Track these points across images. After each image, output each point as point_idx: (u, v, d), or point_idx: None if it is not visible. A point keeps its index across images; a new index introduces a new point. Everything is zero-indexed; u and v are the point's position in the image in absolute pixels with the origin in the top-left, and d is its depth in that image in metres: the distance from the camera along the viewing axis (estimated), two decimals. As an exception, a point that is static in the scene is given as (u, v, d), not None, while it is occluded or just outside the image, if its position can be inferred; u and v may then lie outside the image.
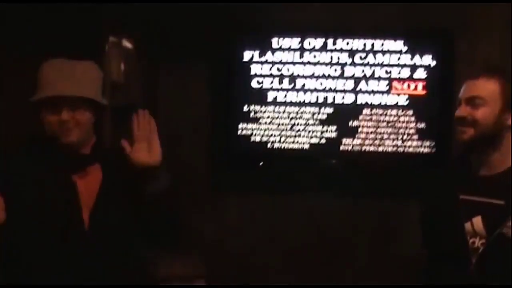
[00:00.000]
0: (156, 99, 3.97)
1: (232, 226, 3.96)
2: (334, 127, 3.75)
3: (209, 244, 3.94)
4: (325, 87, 3.74)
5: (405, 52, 3.72)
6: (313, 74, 3.74)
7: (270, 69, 3.75)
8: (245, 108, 3.77)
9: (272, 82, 3.76)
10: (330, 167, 3.77)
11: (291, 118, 3.76)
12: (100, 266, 2.27)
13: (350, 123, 3.74)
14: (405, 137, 3.72)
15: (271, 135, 3.77)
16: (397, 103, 3.72)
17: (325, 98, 3.74)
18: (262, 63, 3.75)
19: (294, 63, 3.74)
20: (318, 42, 3.74)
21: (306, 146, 3.76)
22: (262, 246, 3.95)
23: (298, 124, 3.76)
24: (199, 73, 3.90)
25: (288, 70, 3.75)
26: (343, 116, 3.74)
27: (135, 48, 3.87)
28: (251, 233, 3.96)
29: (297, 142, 3.77)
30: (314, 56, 3.74)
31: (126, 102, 3.79)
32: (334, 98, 3.74)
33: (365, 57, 3.73)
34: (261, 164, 3.77)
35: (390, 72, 3.72)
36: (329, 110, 3.74)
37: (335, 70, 3.74)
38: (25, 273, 2.23)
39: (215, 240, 3.95)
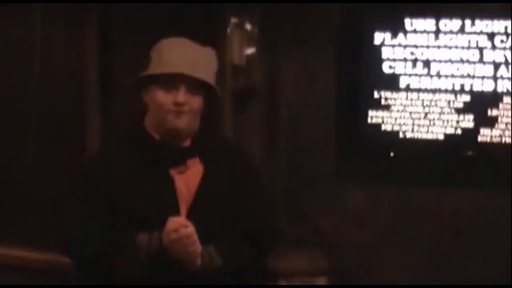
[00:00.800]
0: (278, 82, 3.86)
1: (355, 217, 3.79)
2: (471, 116, 3.51)
3: (331, 237, 3.79)
4: (462, 73, 3.50)
5: (551, 35, 3.42)
6: (449, 58, 3.50)
7: (403, 52, 3.54)
8: (376, 95, 3.58)
9: (405, 67, 3.55)
10: (466, 159, 3.53)
11: (425, 106, 3.55)
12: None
13: (489, 112, 3.49)
14: (549, 128, 3.42)
15: (403, 123, 3.58)
16: (541, 90, 3.43)
17: (462, 85, 3.50)
18: (394, 46, 3.54)
19: (428, 47, 3.51)
20: (455, 24, 3.49)
21: (441, 137, 3.55)
22: (387, 240, 3.76)
23: (432, 112, 3.55)
24: (325, 55, 3.73)
25: (422, 54, 3.52)
26: (481, 105, 3.50)
27: (257, 30, 3.74)
28: (375, 226, 3.78)
29: (431, 131, 3.56)
30: (450, 39, 3.49)
31: (248, 86, 3.72)
32: (471, 85, 3.49)
33: (506, 40, 3.44)
34: (391, 154, 3.59)
35: (534, 56, 3.42)
36: (466, 97, 3.50)
37: (473, 54, 3.48)
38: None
39: (337, 233, 3.79)
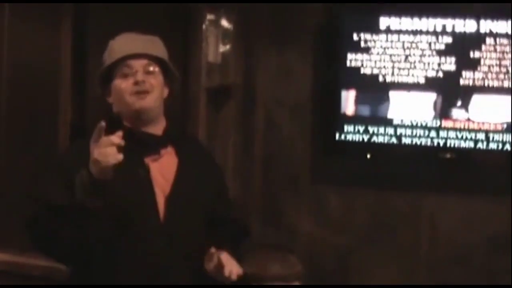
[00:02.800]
0: (255, 81, 3.78)
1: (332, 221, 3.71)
2: (453, 59, 3.38)
3: (308, 241, 3.72)
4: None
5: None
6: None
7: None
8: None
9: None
10: (445, 162, 3.42)
11: (406, 49, 3.43)
12: (175, 255, 2.19)
13: (471, 55, 3.35)
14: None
15: (383, 67, 3.45)
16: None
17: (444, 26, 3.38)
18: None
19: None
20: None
21: (422, 80, 3.42)
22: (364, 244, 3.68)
23: (413, 55, 3.42)
24: (302, 53, 3.67)
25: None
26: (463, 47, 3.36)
27: (233, 27, 3.68)
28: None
29: (412, 75, 3.43)
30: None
31: (223, 84, 3.66)
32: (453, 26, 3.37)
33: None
34: (368, 156, 3.48)
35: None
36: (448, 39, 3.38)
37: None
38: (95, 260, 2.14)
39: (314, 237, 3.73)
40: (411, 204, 3.60)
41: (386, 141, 3.47)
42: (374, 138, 3.48)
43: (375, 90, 3.49)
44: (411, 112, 3.44)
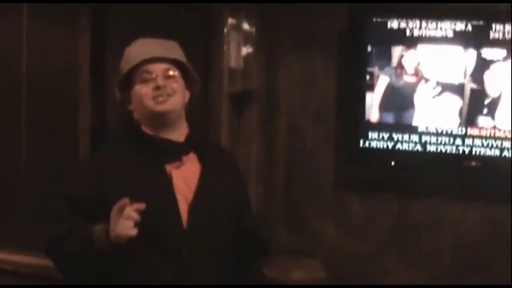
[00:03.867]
0: (277, 87, 3.74)
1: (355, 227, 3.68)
2: None
3: (330, 247, 3.70)
4: None
5: None
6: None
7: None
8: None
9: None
10: (469, 170, 3.38)
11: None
12: (198, 264, 2.19)
13: None
14: None
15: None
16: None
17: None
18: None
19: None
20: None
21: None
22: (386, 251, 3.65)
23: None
24: (326, 58, 3.63)
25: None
26: None
27: (256, 32, 3.65)
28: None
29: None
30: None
31: (245, 90, 3.63)
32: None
33: None
34: (392, 163, 3.45)
35: None
36: None
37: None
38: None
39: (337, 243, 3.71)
40: (435, 212, 3.56)
41: (410, 148, 3.43)
42: (399, 145, 3.44)
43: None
44: (436, 119, 3.40)
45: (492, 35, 3.28)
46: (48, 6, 3.79)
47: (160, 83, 2.18)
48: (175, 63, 2.25)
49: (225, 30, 3.50)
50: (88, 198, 2.16)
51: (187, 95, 2.30)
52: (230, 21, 3.53)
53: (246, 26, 3.62)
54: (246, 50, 3.62)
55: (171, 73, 2.22)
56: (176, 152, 2.23)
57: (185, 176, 2.22)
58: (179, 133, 2.27)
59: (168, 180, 2.18)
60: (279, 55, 3.72)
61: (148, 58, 2.20)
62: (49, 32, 3.89)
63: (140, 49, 2.25)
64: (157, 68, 2.20)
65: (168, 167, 2.20)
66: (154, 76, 2.19)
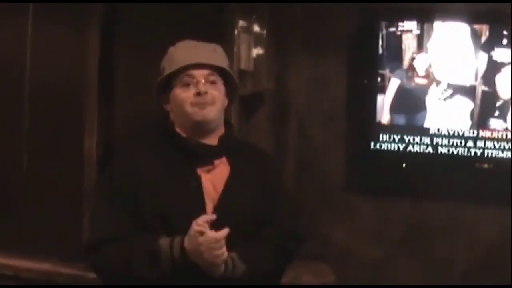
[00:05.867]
0: (287, 88, 3.74)
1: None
2: None
3: (341, 251, 3.68)
4: None
5: None
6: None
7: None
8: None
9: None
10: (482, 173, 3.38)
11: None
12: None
13: None
14: None
15: None
16: None
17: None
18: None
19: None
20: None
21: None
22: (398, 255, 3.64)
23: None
24: (337, 60, 3.64)
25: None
26: None
27: (266, 33, 3.63)
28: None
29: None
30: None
31: (255, 92, 3.62)
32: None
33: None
34: (404, 165, 3.45)
35: None
36: None
37: None
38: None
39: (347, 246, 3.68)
40: (447, 214, 3.56)
41: (422, 150, 3.42)
42: (410, 147, 3.44)
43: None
44: (447, 121, 3.40)
45: (503, 37, 3.29)
46: (55, 6, 3.74)
47: (202, 89, 2.14)
48: (217, 69, 2.22)
49: (236, 32, 3.50)
50: (124, 201, 2.14)
51: (226, 101, 2.26)
52: (241, 23, 3.54)
53: (256, 28, 3.62)
54: (256, 52, 3.62)
55: (213, 78, 2.18)
56: (208, 156, 2.21)
57: (215, 180, 2.20)
58: (214, 136, 2.22)
59: (198, 184, 2.16)
60: (290, 57, 3.73)
61: (193, 63, 2.17)
62: (56, 32, 3.82)
63: (185, 52, 2.21)
64: (200, 73, 2.16)
65: (200, 171, 2.18)
66: (195, 80, 2.16)
